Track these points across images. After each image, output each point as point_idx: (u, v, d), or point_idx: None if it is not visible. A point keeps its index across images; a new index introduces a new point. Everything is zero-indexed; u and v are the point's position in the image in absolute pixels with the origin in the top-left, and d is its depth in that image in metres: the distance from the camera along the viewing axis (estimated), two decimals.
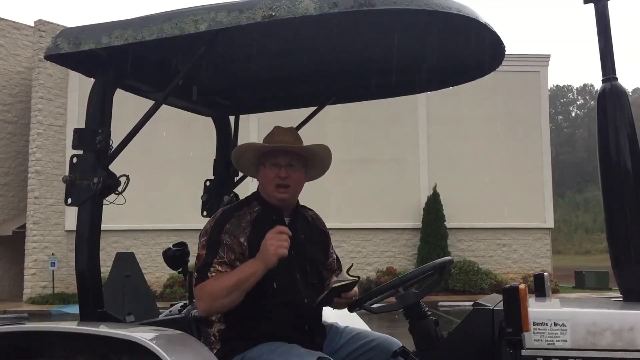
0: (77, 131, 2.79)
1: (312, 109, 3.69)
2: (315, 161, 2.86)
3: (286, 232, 2.57)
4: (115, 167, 2.77)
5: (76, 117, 21.84)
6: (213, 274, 2.56)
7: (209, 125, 3.82)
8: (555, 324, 2.33)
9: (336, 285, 2.64)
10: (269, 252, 2.50)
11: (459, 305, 17.60)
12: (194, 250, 3.59)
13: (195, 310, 3.11)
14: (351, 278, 2.66)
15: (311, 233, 2.92)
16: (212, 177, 3.69)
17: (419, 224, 22.96)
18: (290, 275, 2.71)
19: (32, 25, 23.58)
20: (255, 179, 2.93)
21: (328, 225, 3.07)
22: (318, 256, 2.91)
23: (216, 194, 3.63)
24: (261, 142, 2.80)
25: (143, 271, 3.65)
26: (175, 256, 3.34)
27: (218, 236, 2.63)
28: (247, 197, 2.89)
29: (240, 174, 3.71)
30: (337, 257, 3.08)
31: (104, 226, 2.78)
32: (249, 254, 2.63)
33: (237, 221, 2.68)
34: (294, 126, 3.46)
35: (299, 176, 2.78)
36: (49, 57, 2.72)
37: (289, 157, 2.74)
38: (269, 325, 2.63)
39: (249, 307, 2.62)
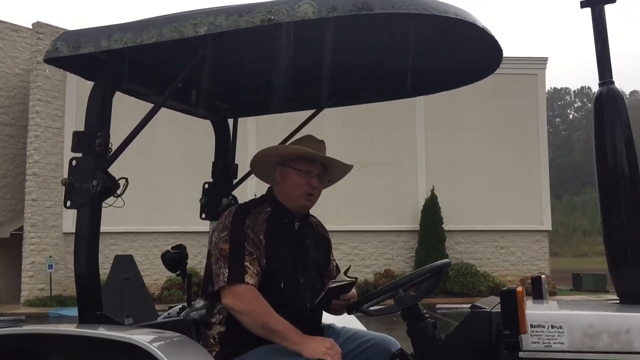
0: (76, 134, 2.80)
1: (311, 111, 3.71)
2: (332, 177, 2.92)
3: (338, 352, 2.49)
4: (114, 169, 2.78)
5: (74, 119, 21.84)
6: (250, 279, 2.54)
7: (208, 128, 3.83)
8: (552, 326, 2.34)
9: (333, 285, 2.65)
10: (316, 350, 2.43)
11: (457, 308, 17.63)
12: (192, 252, 3.61)
13: (194, 313, 3.11)
14: (348, 279, 2.67)
15: (316, 238, 2.95)
16: (211, 180, 3.69)
17: (416, 227, 22.98)
18: (295, 279, 2.73)
19: (30, 27, 23.58)
20: (268, 183, 2.95)
21: (326, 227, 3.09)
22: (321, 261, 2.94)
23: (215, 197, 3.64)
24: (264, 145, 2.86)
25: (141, 274, 3.66)
26: (173, 259, 3.34)
27: (241, 230, 2.63)
28: (258, 198, 2.89)
29: (239, 177, 3.72)
30: (336, 264, 3.11)
31: (101, 228, 2.78)
32: (265, 252, 2.65)
33: (254, 218, 2.70)
34: (293, 129, 3.49)
35: (321, 187, 2.84)
36: (49, 60, 2.73)
37: (321, 169, 2.79)
38: None
39: None
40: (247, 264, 2.57)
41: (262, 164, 2.93)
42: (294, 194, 2.77)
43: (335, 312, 2.90)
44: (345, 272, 2.72)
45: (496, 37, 2.58)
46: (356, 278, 2.72)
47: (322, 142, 2.86)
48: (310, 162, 2.77)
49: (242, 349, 2.62)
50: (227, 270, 2.57)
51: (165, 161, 22.53)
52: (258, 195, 2.92)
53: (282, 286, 2.67)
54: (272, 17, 2.30)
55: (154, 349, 2.31)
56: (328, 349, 2.44)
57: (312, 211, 3.05)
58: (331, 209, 21.20)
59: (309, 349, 2.44)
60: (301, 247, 2.81)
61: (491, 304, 2.60)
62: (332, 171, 2.88)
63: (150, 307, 3.52)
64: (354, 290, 2.79)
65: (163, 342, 2.44)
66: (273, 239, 2.69)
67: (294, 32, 2.56)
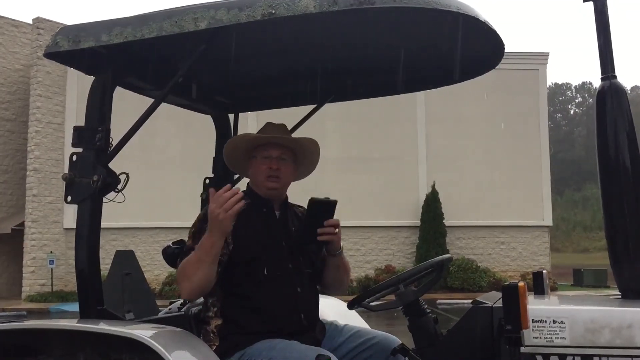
0: (76, 129, 2.80)
1: (311, 106, 3.70)
2: (304, 156, 2.92)
3: (226, 189, 2.50)
4: (115, 164, 2.77)
5: (75, 114, 21.84)
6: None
7: (208, 123, 3.82)
8: (554, 322, 2.34)
9: (313, 198, 2.62)
10: (219, 219, 2.46)
11: (458, 303, 17.62)
12: None
13: (195, 308, 3.12)
14: (321, 199, 2.66)
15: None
16: (212, 175, 3.69)
17: (417, 222, 22.98)
18: (282, 266, 2.73)
19: (31, 22, 23.56)
20: (246, 177, 2.98)
21: None
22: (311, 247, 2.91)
23: None
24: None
25: (142, 269, 3.66)
26: (174, 254, 3.32)
27: (203, 225, 2.66)
28: None
29: None
30: None
31: (102, 224, 2.78)
32: (238, 243, 2.68)
33: None
34: (294, 124, 3.48)
35: (288, 169, 2.85)
36: (49, 55, 2.72)
37: (280, 150, 2.81)
38: (265, 317, 2.64)
39: (243, 298, 2.66)
40: (194, 249, 2.60)
41: (234, 162, 2.98)
42: (259, 180, 2.82)
43: (319, 247, 2.77)
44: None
45: (498, 32, 2.57)
46: (336, 200, 2.68)
47: (280, 126, 2.89)
48: (266, 147, 2.81)
49: (242, 343, 2.62)
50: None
51: (166, 156, 22.54)
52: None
53: (265, 273, 2.67)
54: (273, 11, 2.30)
55: (155, 344, 2.30)
56: (214, 207, 2.46)
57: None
58: None
59: (218, 231, 2.48)
60: (286, 234, 2.82)
61: (492, 299, 2.59)
62: (302, 151, 2.89)
63: (151, 303, 3.52)
64: (337, 219, 2.71)
65: (164, 337, 2.43)
66: (249, 229, 2.71)
67: (294, 27, 2.56)
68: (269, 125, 2.89)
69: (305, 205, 3.07)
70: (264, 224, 2.80)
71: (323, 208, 2.67)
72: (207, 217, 2.66)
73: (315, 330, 2.80)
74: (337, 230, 2.71)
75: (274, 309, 2.66)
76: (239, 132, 3.78)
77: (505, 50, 2.83)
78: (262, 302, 2.66)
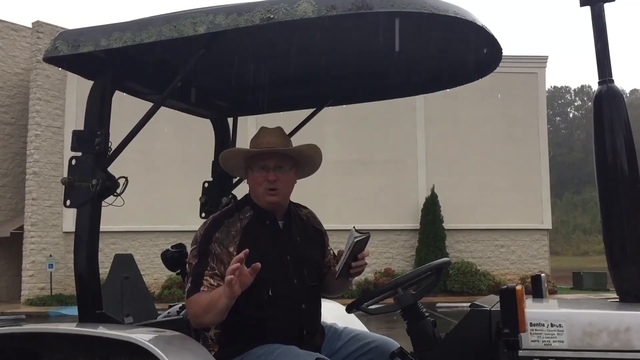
0: (76, 133, 2.80)
1: (310, 110, 3.70)
2: (304, 161, 2.82)
3: (239, 261, 2.30)
4: (114, 168, 2.77)
5: (74, 118, 21.83)
6: (204, 288, 2.52)
7: (207, 127, 3.83)
8: (552, 325, 2.34)
9: (358, 238, 2.58)
10: (233, 290, 2.32)
11: (457, 306, 17.62)
12: None
13: None
14: (362, 234, 2.62)
15: (307, 233, 2.87)
16: (211, 179, 3.70)
17: (417, 225, 22.97)
18: (287, 281, 2.68)
19: (30, 26, 23.55)
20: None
21: (326, 226, 3.07)
22: (316, 256, 2.87)
23: (214, 196, 3.64)
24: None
25: (141, 273, 3.66)
26: (173, 257, 3.34)
27: (207, 245, 2.60)
28: (239, 202, 2.86)
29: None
30: (334, 253, 3.03)
31: (101, 227, 2.78)
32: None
33: (226, 229, 2.64)
34: (293, 128, 3.49)
35: (288, 177, 2.74)
36: (48, 60, 2.72)
37: (276, 159, 2.70)
38: (266, 332, 2.62)
39: (245, 316, 2.61)
40: (206, 277, 2.54)
41: (232, 171, 2.95)
42: (258, 193, 2.72)
43: (353, 275, 2.75)
44: (357, 230, 2.65)
45: (496, 36, 2.58)
46: (369, 233, 2.65)
47: (275, 131, 2.76)
48: (262, 157, 2.70)
49: (241, 349, 2.62)
50: (189, 284, 2.59)
51: (165, 160, 22.53)
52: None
53: (270, 294, 2.60)
54: (272, 16, 2.30)
55: (153, 347, 2.31)
56: (237, 285, 2.30)
57: (312, 208, 3.03)
58: (331, 207, 21.21)
59: (229, 296, 2.34)
60: (291, 246, 2.74)
61: (491, 302, 2.60)
62: (301, 156, 2.78)
63: (150, 306, 3.52)
64: (367, 248, 2.72)
65: (163, 340, 2.43)
66: (252, 248, 2.45)
67: (293, 31, 2.56)
68: (263, 130, 2.78)
69: (307, 205, 3.05)
70: (268, 239, 2.70)
71: (362, 244, 2.65)
72: (210, 236, 2.62)
73: (314, 336, 2.79)
74: (365, 258, 2.72)
75: (277, 326, 2.63)
76: (238, 135, 3.80)
77: (505, 54, 2.83)
78: (266, 322, 2.62)
